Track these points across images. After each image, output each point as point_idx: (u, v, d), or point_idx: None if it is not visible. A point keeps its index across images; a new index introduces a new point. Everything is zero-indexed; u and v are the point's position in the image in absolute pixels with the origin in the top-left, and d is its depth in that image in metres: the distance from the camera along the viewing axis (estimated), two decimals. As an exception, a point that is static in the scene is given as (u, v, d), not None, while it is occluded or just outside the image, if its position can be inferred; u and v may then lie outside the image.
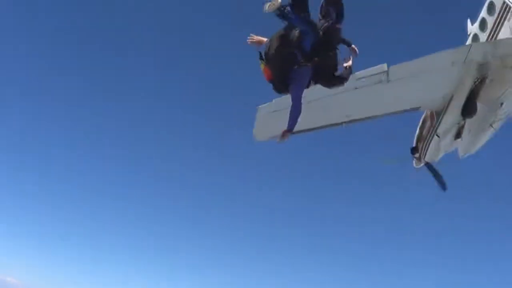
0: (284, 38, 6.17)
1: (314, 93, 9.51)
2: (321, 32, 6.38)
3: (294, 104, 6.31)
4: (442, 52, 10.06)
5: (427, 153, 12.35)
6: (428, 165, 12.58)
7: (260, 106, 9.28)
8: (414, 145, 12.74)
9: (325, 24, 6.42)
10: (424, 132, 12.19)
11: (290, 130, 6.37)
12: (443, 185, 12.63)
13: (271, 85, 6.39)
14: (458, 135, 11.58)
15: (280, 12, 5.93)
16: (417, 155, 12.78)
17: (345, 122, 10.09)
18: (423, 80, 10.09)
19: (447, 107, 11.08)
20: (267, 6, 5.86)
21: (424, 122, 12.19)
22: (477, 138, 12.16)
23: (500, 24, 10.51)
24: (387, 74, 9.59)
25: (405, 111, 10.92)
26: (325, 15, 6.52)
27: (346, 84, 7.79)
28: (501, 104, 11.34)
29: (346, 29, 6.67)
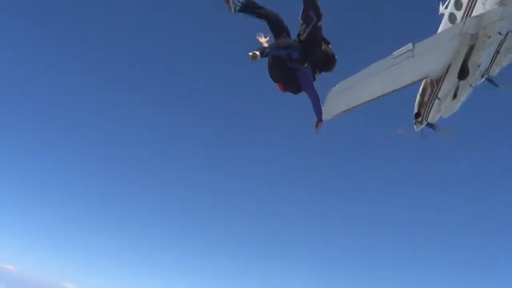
0: (276, 60, 7.66)
1: (355, 79, 11.94)
2: (304, 36, 7.79)
3: (312, 98, 7.95)
4: (445, 30, 12.95)
5: (430, 115, 15.17)
6: (430, 124, 15.40)
7: (331, 89, 11.32)
8: (416, 111, 15.50)
9: (308, 28, 7.81)
10: (426, 98, 14.98)
11: (321, 120, 7.99)
12: (449, 136, 15.52)
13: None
14: (455, 95, 14.54)
15: (262, 56, 7.31)
16: (419, 119, 15.55)
17: (383, 95, 12.46)
18: (434, 54, 12.85)
19: (446, 73, 13.94)
20: (250, 58, 7.13)
21: (424, 89, 14.98)
22: (460, 97, 15.24)
23: (474, 2, 13.62)
24: (413, 51, 12.17)
25: (420, 80, 13.64)
26: (306, 19, 7.88)
27: (386, 63, 10.50)
28: (479, 66, 14.50)
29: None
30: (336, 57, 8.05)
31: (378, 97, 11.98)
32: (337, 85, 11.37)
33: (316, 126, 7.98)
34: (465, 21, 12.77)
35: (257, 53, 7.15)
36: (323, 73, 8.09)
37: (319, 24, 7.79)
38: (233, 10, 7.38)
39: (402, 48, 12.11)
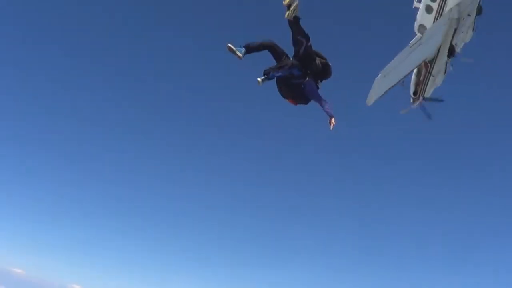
0: (282, 80, 9.10)
1: (390, 67, 14.66)
2: (299, 56, 9.10)
3: (320, 103, 9.27)
4: (439, 19, 16.10)
5: (426, 90, 18.28)
6: (426, 99, 18.50)
7: (376, 78, 13.91)
8: (414, 89, 18.55)
9: (301, 50, 9.17)
10: (421, 77, 18.06)
11: (333, 116, 9.13)
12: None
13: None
14: (445, 71, 17.76)
15: (268, 79, 8.78)
16: (417, 96, 18.61)
17: (407, 74, 15.32)
18: (432, 39, 15.88)
19: (438, 54, 17.07)
20: (258, 83, 8.63)
21: (419, 71, 18.05)
22: (447, 71, 18.51)
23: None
24: (421, 40, 15.11)
25: (423, 61, 16.65)
26: (296, 43, 9.21)
27: (407, 51, 13.48)
28: (456, 44, 17.84)
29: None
30: (330, 65, 9.54)
31: (405, 75, 14.83)
32: (379, 74, 13.98)
33: (330, 123, 9.21)
34: (452, 8, 15.90)
35: (263, 78, 8.71)
36: (324, 81, 9.63)
37: (309, 44, 9.18)
38: (240, 55, 8.69)
39: (414, 39, 15.06)
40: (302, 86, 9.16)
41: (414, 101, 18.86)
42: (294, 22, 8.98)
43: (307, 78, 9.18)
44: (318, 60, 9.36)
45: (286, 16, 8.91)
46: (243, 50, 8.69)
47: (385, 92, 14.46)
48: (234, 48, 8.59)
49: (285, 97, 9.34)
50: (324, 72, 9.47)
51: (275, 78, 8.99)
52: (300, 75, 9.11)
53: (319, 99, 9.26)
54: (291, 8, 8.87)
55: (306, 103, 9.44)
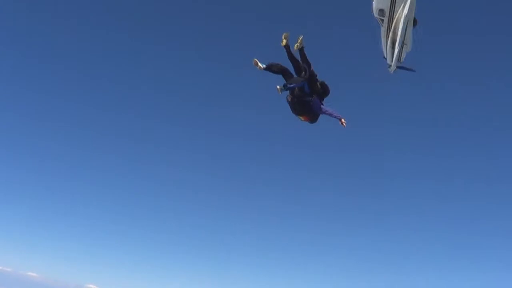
0: (297, 100, 10.95)
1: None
2: (307, 77, 10.95)
3: (327, 114, 11.20)
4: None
5: (401, 58, 20.26)
6: (401, 67, 20.48)
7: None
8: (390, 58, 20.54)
9: (306, 75, 11.00)
10: (396, 48, 20.02)
11: (342, 117, 11.16)
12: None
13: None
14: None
15: (286, 89, 10.80)
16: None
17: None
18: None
19: (407, 25, 19.01)
20: (278, 91, 10.70)
21: (393, 42, 20.01)
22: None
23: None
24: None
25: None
26: (300, 70, 11.10)
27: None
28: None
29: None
30: (327, 84, 11.47)
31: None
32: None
33: (342, 123, 11.22)
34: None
35: (281, 87, 10.78)
36: (326, 98, 11.52)
37: (311, 69, 11.11)
38: (262, 67, 11.01)
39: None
40: (311, 103, 11.01)
41: (392, 68, 20.84)
42: (300, 52, 10.99)
43: (314, 97, 11.06)
44: (319, 82, 11.22)
45: (295, 48, 10.96)
46: (265, 65, 10.97)
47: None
48: (258, 62, 10.96)
49: (299, 114, 11.21)
50: (324, 91, 11.32)
51: (291, 98, 11.01)
52: (309, 93, 11.00)
53: (325, 112, 11.24)
54: (298, 41, 10.90)
55: (317, 118, 11.34)
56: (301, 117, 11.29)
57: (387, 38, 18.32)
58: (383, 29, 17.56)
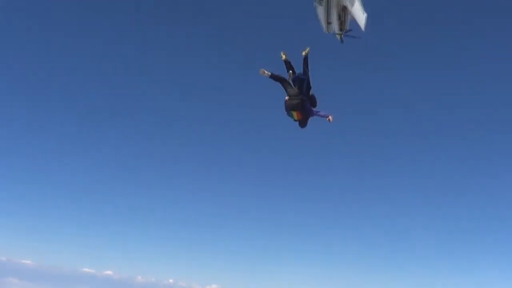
0: (294, 96, 12.60)
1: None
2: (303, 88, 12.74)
3: (316, 115, 12.76)
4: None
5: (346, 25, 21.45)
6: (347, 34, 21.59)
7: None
8: (337, 27, 21.80)
9: (304, 84, 12.81)
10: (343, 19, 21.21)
11: (329, 115, 12.71)
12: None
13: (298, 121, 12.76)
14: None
15: (294, 75, 12.90)
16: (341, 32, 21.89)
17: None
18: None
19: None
20: (289, 76, 12.87)
21: (340, 16, 21.12)
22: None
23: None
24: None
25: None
26: (298, 80, 12.85)
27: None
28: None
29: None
30: (316, 100, 13.13)
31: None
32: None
33: (329, 119, 12.78)
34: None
35: (291, 72, 12.93)
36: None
37: (309, 79, 12.98)
38: (268, 74, 12.83)
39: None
40: (304, 103, 12.67)
41: (340, 36, 22.15)
42: (305, 58, 12.87)
43: (306, 101, 12.76)
44: (310, 92, 12.97)
45: (302, 53, 12.93)
46: (270, 73, 12.84)
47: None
48: (265, 71, 12.87)
49: (294, 109, 12.66)
50: (312, 102, 12.99)
51: (288, 98, 12.70)
52: (304, 93, 12.81)
53: (314, 114, 12.88)
54: (306, 50, 12.87)
55: (306, 121, 12.91)
56: (294, 114, 12.81)
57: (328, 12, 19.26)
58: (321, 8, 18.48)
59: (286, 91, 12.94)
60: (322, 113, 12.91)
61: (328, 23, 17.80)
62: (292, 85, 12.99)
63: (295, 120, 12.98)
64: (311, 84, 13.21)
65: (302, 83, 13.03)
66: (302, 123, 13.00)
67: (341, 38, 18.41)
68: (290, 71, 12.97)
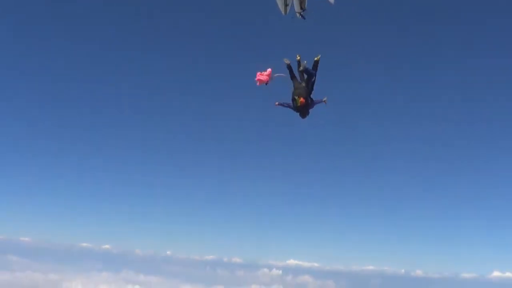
0: (300, 87, 14.51)
1: None
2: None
3: (314, 104, 14.53)
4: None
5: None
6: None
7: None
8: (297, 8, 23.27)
9: (312, 79, 14.66)
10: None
11: (323, 99, 14.64)
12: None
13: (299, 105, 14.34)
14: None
15: (303, 65, 14.54)
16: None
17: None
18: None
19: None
20: (301, 65, 14.61)
21: None
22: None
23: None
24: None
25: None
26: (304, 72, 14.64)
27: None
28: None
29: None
30: (314, 102, 14.81)
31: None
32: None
33: (324, 101, 14.66)
34: None
35: (304, 63, 14.60)
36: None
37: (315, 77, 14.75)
38: (288, 62, 14.72)
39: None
40: (307, 95, 14.46)
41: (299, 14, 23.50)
42: (316, 63, 14.63)
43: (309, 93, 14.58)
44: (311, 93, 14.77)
45: (315, 59, 14.63)
46: (290, 62, 14.69)
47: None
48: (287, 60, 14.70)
49: (299, 95, 14.35)
50: (309, 103, 14.61)
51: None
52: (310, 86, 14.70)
53: (314, 102, 14.65)
54: (318, 57, 14.60)
55: (307, 111, 14.56)
56: (299, 100, 14.39)
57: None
58: None
59: (293, 82, 14.82)
60: (316, 101, 14.68)
61: (286, 5, 19.40)
62: (300, 77, 14.83)
63: (298, 106, 14.53)
64: (314, 86, 14.88)
65: (310, 77, 14.77)
66: (304, 111, 14.64)
67: (301, 15, 19.57)
68: (304, 62, 14.64)
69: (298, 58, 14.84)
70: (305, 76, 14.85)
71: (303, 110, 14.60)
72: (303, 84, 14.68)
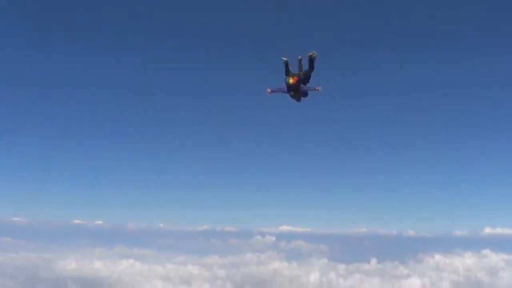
0: (295, 73, 14.95)
1: None
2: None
3: (307, 90, 15.13)
4: None
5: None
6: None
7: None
8: None
9: (309, 72, 15.06)
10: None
11: (316, 87, 15.18)
12: None
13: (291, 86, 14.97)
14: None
15: (311, 57, 14.88)
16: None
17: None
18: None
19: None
20: (313, 54, 14.88)
21: None
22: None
23: None
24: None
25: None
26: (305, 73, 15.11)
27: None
28: None
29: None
30: (307, 93, 15.42)
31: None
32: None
33: (317, 89, 15.12)
34: None
35: (315, 54, 14.83)
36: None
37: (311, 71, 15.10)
38: (286, 59, 14.79)
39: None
40: (301, 77, 14.88)
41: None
42: (313, 59, 14.77)
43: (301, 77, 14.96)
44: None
45: (313, 56, 14.66)
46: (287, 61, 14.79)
47: None
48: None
49: (293, 75, 14.79)
50: (307, 79, 15.10)
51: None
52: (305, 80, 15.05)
53: (306, 88, 15.06)
54: (315, 53, 14.62)
55: (299, 94, 15.10)
56: (290, 79, 14.83)
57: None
58: None
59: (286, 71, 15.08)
60: (309, 88, 15.08)
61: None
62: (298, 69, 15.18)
63: (290, 85, 14.90)
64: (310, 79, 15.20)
65: (310, 69, 15.01)
66: (297, 93, 15.09)
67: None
68: (300, 57, 15.00)
69: (285, 60, 14.94)
70: (305, 68, 15.04)
71: (296, 92, 14.93)
72: (299, 73, 14.95)
